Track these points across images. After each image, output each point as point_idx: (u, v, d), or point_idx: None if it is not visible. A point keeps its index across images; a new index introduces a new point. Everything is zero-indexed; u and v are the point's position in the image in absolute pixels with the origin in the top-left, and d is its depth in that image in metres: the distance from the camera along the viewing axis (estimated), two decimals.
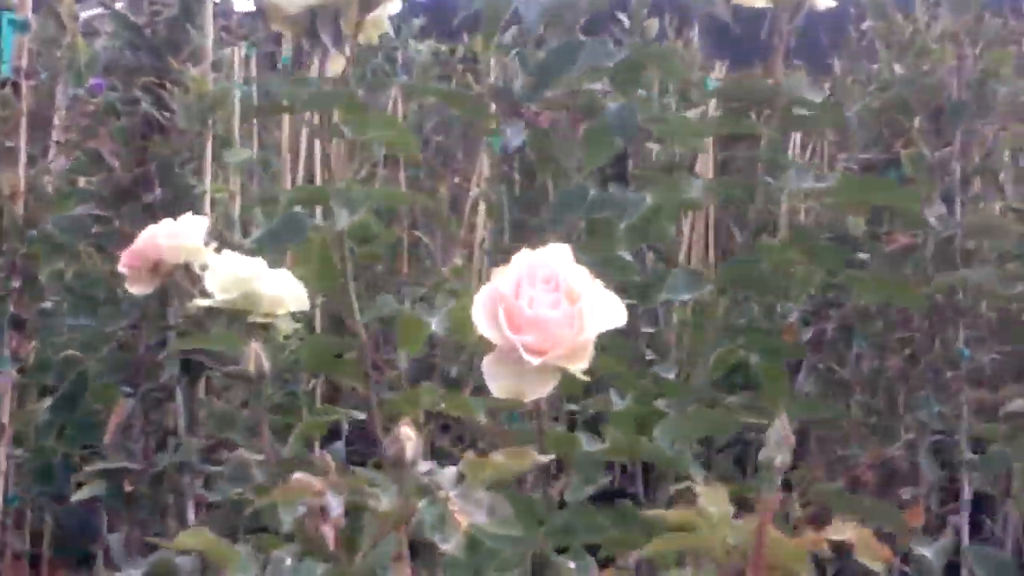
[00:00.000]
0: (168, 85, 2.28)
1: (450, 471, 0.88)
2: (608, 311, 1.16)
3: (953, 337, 2.92)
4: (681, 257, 3.01)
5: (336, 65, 1.40)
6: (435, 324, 1.26)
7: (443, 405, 1.38)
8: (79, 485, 2.33)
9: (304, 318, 1.50)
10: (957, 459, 3.09)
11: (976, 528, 2.93)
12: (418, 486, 0.86)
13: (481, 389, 1.16)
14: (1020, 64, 3.07)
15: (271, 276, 1.48)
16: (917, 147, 2.76)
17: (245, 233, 3.34)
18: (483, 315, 1.15)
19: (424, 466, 0.88)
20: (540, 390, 1.15)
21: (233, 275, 1.45)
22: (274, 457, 1.27)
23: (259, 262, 1.47)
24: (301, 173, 3.80)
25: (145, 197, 2.26)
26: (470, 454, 0.89)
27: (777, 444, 0.90)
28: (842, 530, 0.89)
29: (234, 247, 1.57)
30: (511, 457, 0.89)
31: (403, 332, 1.33)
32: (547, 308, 1.14)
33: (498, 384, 1.15)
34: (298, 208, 1.37)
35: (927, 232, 2.97)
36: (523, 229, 3.24)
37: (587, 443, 1.22)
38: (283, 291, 1.47)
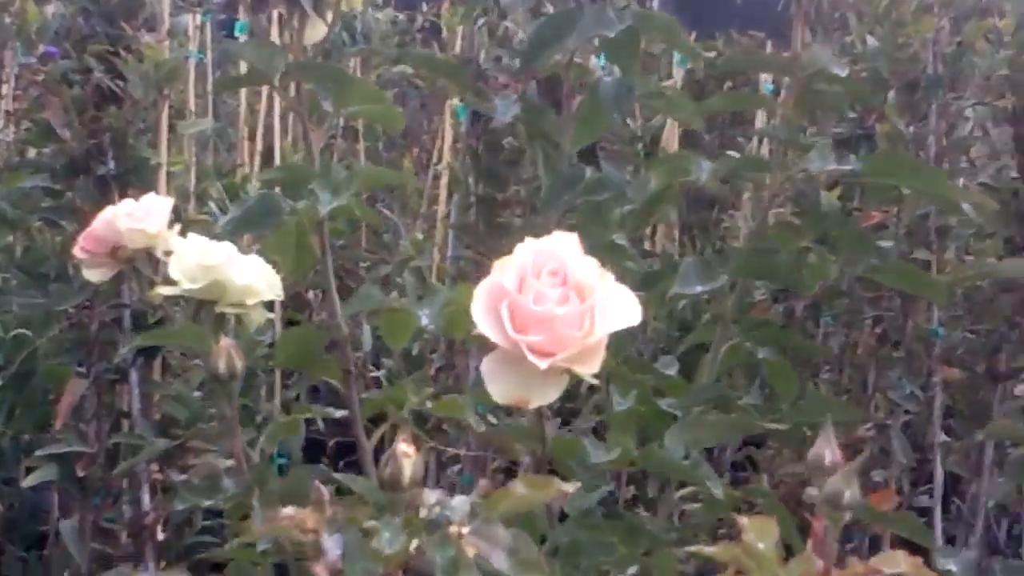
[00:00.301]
0: (122, 53, 2.21)
1: (461, 502, 0.76)
2: (621, 308, 1.04)
3: (926, 315, 2.86)
4: (647, 244, 2.90)
5: (316, 33, 1.28)
6: (425, 319, 1.15)
7: (430, 405, 1.27)
8: (29, 469, 2.22)
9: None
10: (929, 441, 3.05)
11: (943, 509, 2.90)
12: (425, 520, 0.74)
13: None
14: (996, 37, 3.00)
15: (241, 262, 1.36)
16: (892, 122, 2.69)
17: (201, 207, 3.22)
18: (483, 312, 1.03)
19: (431, 495, 0.77)
20: (547, 395, 1.03)
21: (199, 262, 1.33)
22: (247, 466, 1.16)
23: (228, 247, 1.35)
24: (259, 145, 3.67)
25: (98, 170, 2.20)
26: (483, 483, 0.77)
27: (830, 469, 0.79)
28: (895, 561, 0.79)
29: (190, 223, 1.45)
30: (533, 487, 0.78)
31: (389, 326, 1.22)
32: (554, 304, 1.03)
33: (500, 388, 1.04)
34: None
35: (901, 208, 2.91)
36: (490, 204, 3.14)
37: (593, 451, 1.11)
38: (254, 279, 1.35)
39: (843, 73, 1.26)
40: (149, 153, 2.57)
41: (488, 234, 3.09)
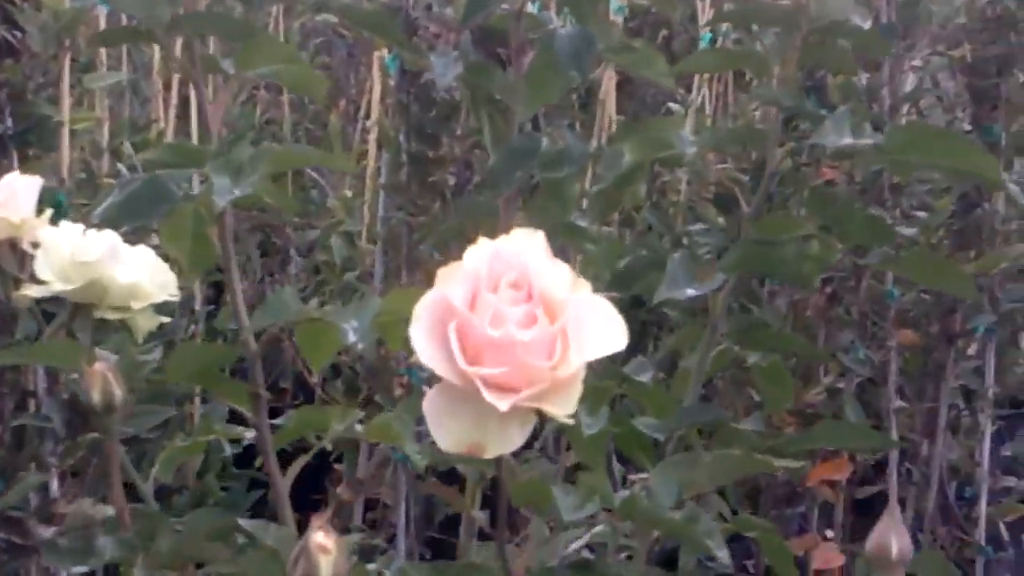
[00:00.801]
0: (18, 2, 2.05)
1: None
2: (602, 328, 0.82)
3: (879, 275, 2.72)
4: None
5: None
6: (352, 333, 0.91)
7: (360, 429, 1.04)
8: None
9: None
10: (884, 406, 2.93)
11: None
12: None
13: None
14: None
15: (127, 257, 1.12)
16: (844, 73, 2.54)
17: (114, 166, 2.98)
18: (425, 336, 0.80)
19: None
20: (507, 441, 0.81)
21: (73, 257, 1.08)
22: (129, 519, 0.92)
23: (111, 238, 1.11)
24: (175, 98, 3.40)
25: None
26: None
27: (897, 563, 0.57)
28: None
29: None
30: None
31: (307, 341, 0.98)
32: (517, 327, 0.80)
33: (447, 433, 0.81)
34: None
35: (855, 165, 2.76)
36: (422, 162, 2.92)
37: (563, 499, 0.89)
38: (142, 278, 1.11)
39: (866, 24, 1.04)
40: (50, 110, 2.39)
41: (421, 194, 2.90)
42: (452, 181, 2.88)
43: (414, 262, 2.69)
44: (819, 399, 2.76)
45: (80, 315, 1.09)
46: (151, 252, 1.14)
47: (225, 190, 0.92)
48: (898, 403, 2.92)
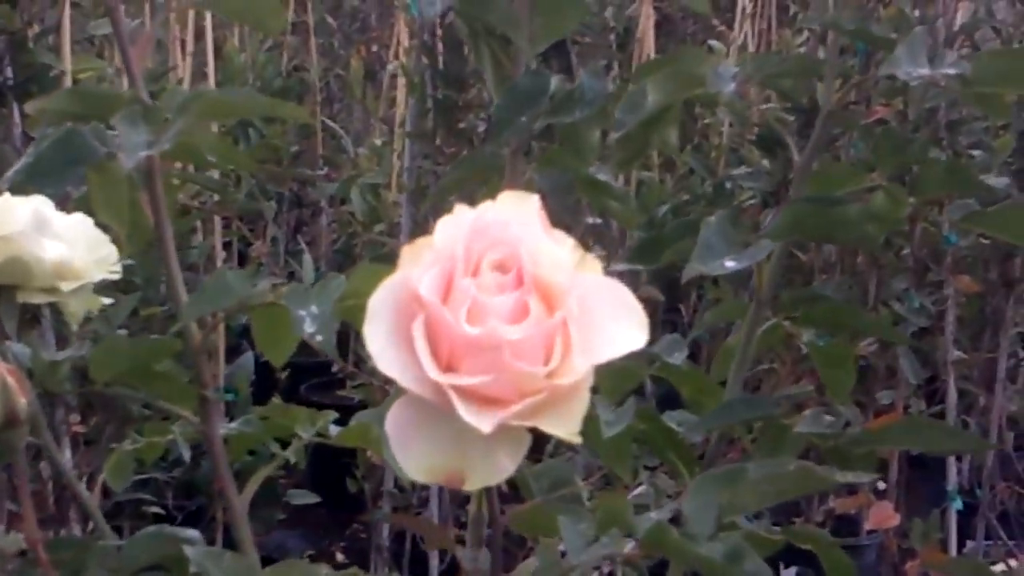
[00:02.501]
0: None
1: None
2: (616, 321, 0.63)
3: (936, 219, 2.54)
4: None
5: None
6: (309, 323, 0.73)
7: (334, 436, 0.86)
8: None
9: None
10: (941, 358, 2.81)
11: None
12: None
13: None
14: None
15: (57, 229, 0.93)
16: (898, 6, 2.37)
17: None
18: (384, 336, 0.61)
19: None
20: (494, 468, 0.62)
21: None
22: (43, 547, 0.75)
23: (38, 206, 0.93)
24: (190, 46, 3.22)
25: None
26: None
27: None
28: None
29: None
30: None
31: (262, 330, 0.80)
32: (504, 321, 0.61)
33: (416, 459, 0.63)
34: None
35: (910, 101, 2.62)
36: (449, 108, 2.75)
37: (570, 529, 0.70)
38: (74, 254, 0.93)
39: None
40: (51, 59, 2.26)
41: (448, 141, 2.74)
42: (481, 128, 2.71)
43: (442, 214, 2.53)
44: (871, 351, 2.60)
45: (2, 299, 0.91)
46: (89, 222, 0.95)
47: (136, 145, 0.73)
48: (956, 354, 2.78)
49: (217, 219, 2.97)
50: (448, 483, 0.62)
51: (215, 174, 2.81)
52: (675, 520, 0.75)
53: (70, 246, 0.93)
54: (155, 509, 2.44)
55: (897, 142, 0.89)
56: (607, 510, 0.72)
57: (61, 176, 0.79)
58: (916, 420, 0.94)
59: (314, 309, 0.75)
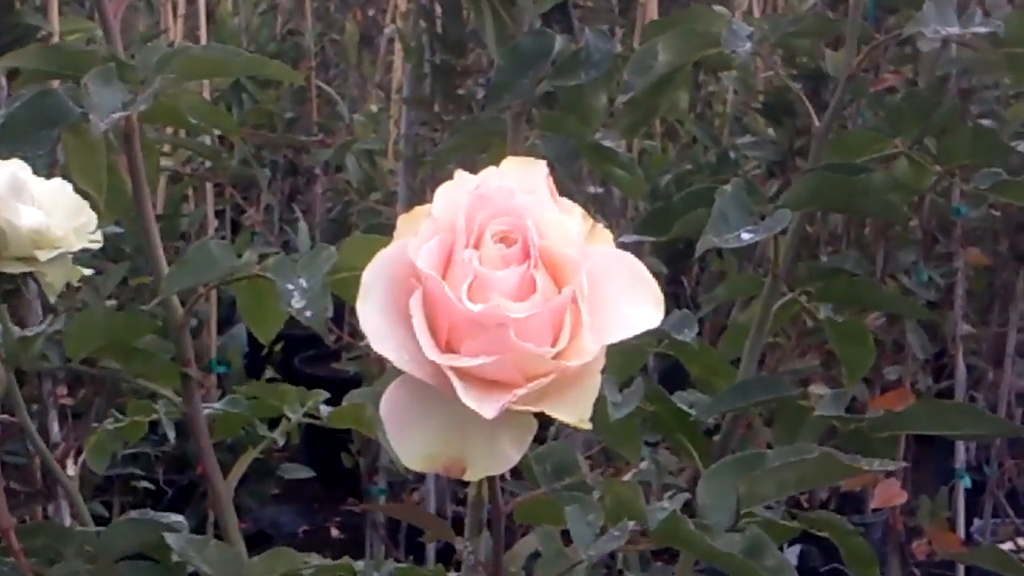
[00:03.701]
0: None
1: None
2: (629, 297, 0.58)
3: (944, 189, 2.49)
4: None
5: None
6: (298, 297, 0.68)
7: (325, 417, 0.81)
8: None
9: None
10: (950, 332, 2.76)
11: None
12: None
13: None
14: None
15: (35, 194, 0.88)
16: None
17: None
18: (378, 312, 0.57)
19: None
20: (498, 458, 0.57)
21: None
22: (16, 534, 0.70)
23: (17, 170, 0.87)
24: (181, 7, 3.16)
25: None
26: None
27: None
28: None
29: None
30: None
31: (249, 305, 0.75)
32: (509, 297, 0.56)
33: (412, 445, 0.58)
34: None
35: (920, 69, 2.56)
36: (447, 73, 2.69)
37: (579, 520, 0.65)
38: (52, 221, 0.87)
39: None
40: (37, 20, 2.20)
41: (445, 107, 2.68)
42: (480, 94, 2.65)
43: (439, 182, 2.48)
44: (877, 325, 2.55)
45: None
46: (68, 187, 0.90)
47: (109, 106, 0.68)
48: (965, 329, 2.73)
49: (209, 186, 2.92)
50: (447, 472, 0.57)
51: (207, 139, 2.76)
52: (688, 508, 0.70)
53: (48, 213, 0.87)
54: (145, 484, 2.39)
55: (921, 107, 0.84)
56: (616, 499, 0.67)
57: (34, 138, 0.74)
58: (941, 403, 0.89)
59: (303, 282, 0.70)
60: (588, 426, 0.57)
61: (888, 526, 2.56)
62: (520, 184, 0.59)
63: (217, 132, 2.89)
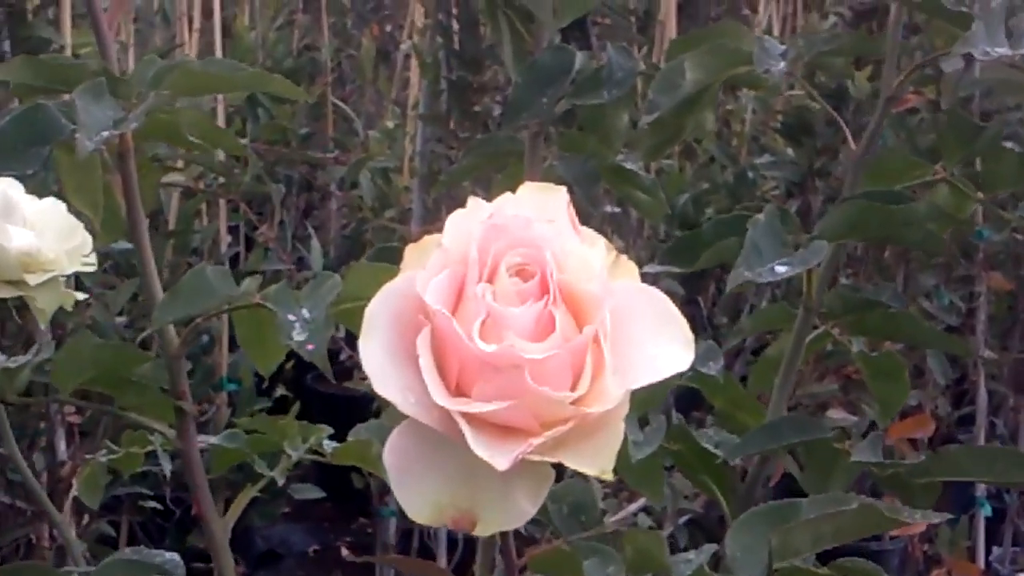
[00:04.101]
0: None
1: None
2: (657, 337, 0.53)
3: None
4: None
5: None
6: (299, 329, 0.63)
7: (329, 453, 0.76)
8: None
9: None
10: (972, 357, 2.72)
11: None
12: None
13: None
14: None
15: (25, 214, 0.84)
16: None
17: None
18: (382, 352, 0.52)
19: None
20: (512, 512, 0.52)
21: None
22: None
23: (8, 188, 0.83)
24: (197, 21, 3.12)
25: None
26: None
27: None
28: None
29: None
30: None
31: (248, 335, 0.70)
32: (525, 336, 0.52)
33: (418, 497, 0.53)
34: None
35: (942, 90, 2.52)
36: (463, 90, 2.65)
37: (595, 573, 0.60)
38: (45, 242, 0.83)
39: None
40: (49, 32, 2.18)
41: (461, 124, 2.65)
42: (497, 111, 2.62)
43: (455, 200, 2.44)
44: (896, 348, 2.51)
45: None
46: (61, 207, 0.86)
47: (99, 123, 0.64)
48: (988, 353, 2.69)
49: (223, 202, 2.89)
50: (456, 526, 0.53)
51: (220, 155, 2.73)
52: (715, 560, 0.65)
53: (39, 234, 0.83)
54: (152, 504, 2.35)
55: (966, 131, 0.79)
56: (638, 550, 0.62)
57: (23, 156, 0.69)
58: (989, 450, 0.84)
59: (305, 313, 0.66)
60: (610, 476, 0.52)
61: (906, 554, 2.51)
62: (538, 212, 0.54)
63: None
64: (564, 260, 0.53)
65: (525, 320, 0.52)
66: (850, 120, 2.82)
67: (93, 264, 0.87)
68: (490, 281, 0.53)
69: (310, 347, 0.63)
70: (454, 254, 0.53)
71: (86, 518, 2.17)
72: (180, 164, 2.43)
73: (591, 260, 0.53)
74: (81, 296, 0.87)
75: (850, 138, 0.81)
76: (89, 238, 0.86)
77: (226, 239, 2.95)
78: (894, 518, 0.61)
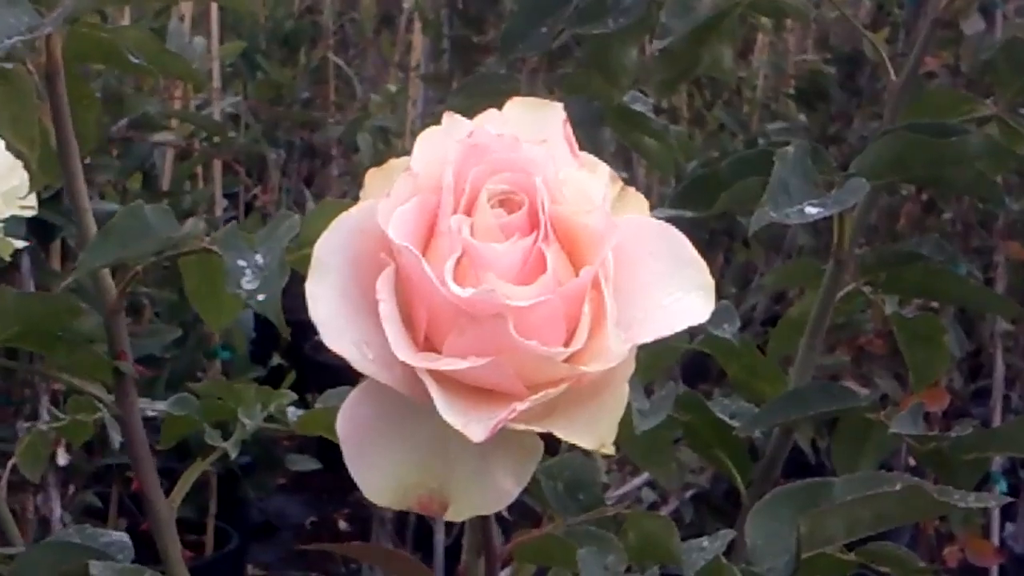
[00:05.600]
0: None
1: None
2: (669, 282, 0.43)
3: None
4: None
5: None
6: (249, 276, 0.54)
7: (293, 422, 0.67)
8: None
9: None
10: (987, 330, 2.67)
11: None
12: None
13: None
14: None
15: None
16: None
17: None
18: (335, 295, 0.42)
19: None
20: (489, 493, 0.43)
21: None
22: None
23: None
24: None
25: None
26: None
27: None
28: None
29: None
30: None
31: (197, 286, 0.61)
32: (507, 277, 0.42)
33: (377, 472, 0.44)
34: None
35: (961, 53, 2.46)
36: (466, 49, 2.57)
37: (592, 562, 0.51)
38: None
39: None
40: None
41: None
42: (501, 71, 2.54)
43: None
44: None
45: None
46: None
47: (8, 29, 0.54)
48: (1005, 326, 2.63)
49: (218, 165, 2.80)
50: (424, 509, 0.43)
51: (215, 113, 2.63)
52: (731, 548, 0.56)
53: None
54: None
55: (1022, 61, 0.69)
56: (643, 535, 0.53)
57: None
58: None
59: (259, 259, 0.56)
60: (611, 451, 0.43)
61: (918, 530, 2.44)
62: (528, 131, 0.45)
63: (224, 106, 2.77)
64: (558, 188, 0.44)
65: (510, 259, 0.42)
66: (865, 86, 2.74)
67: (33, 208, 0.78)
68: (468, 212, 0.43)
69: (260, 297, 0.54)
70: (425, 180, 0.44)
71: (71, 488, 2.11)
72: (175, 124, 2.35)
73: (591, 189, 0.44)
74: (20, 244, 0.78)
75: (890, 67, 0.71)
76: (27, 178, 0.77)
77: (222, 203, 2.87)
78: (944, 502, 0.52)
